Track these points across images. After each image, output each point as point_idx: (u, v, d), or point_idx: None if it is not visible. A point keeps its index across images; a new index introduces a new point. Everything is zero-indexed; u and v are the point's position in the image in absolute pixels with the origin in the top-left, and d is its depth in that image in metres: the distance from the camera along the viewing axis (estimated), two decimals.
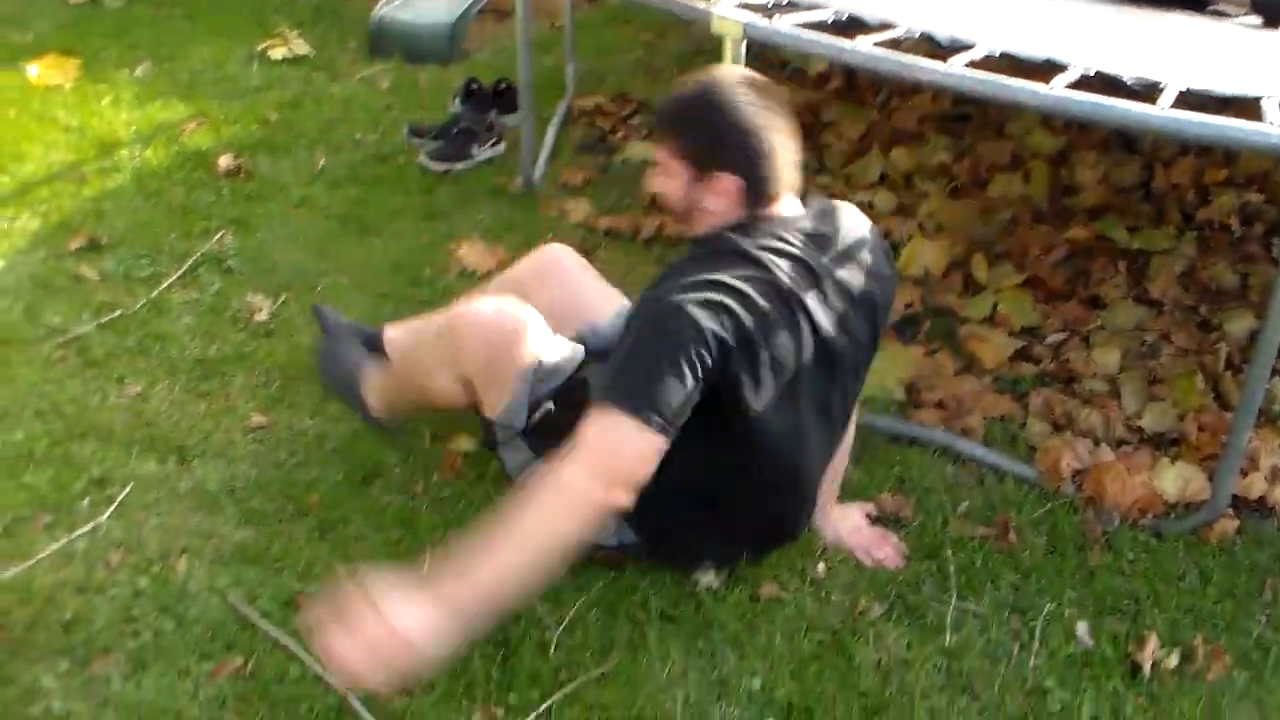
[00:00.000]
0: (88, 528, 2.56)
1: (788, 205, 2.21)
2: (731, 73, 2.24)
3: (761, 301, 2.03)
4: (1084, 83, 2.35)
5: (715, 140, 2.14)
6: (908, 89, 4.42)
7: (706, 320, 1.96)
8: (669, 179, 2.21)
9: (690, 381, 1.94)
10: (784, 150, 2.16)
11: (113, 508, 2.60)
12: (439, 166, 4.13)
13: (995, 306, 3.34)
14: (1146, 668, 2.28)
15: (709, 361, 1.96)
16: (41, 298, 3.38)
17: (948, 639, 2.35)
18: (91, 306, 3.32)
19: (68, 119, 4.57)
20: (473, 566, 1.81)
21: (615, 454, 1.93)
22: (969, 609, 2.42)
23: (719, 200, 2.16)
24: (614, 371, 1.99)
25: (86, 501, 2.63)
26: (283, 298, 3.36)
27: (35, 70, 4.93)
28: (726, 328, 1.98)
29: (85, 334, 3.20)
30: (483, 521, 1.87)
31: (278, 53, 5.13)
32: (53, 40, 5.23)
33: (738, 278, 2.03)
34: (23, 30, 5.58)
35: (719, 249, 2.12)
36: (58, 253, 3.63)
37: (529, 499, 1.87)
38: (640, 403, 1.91)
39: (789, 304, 2.08)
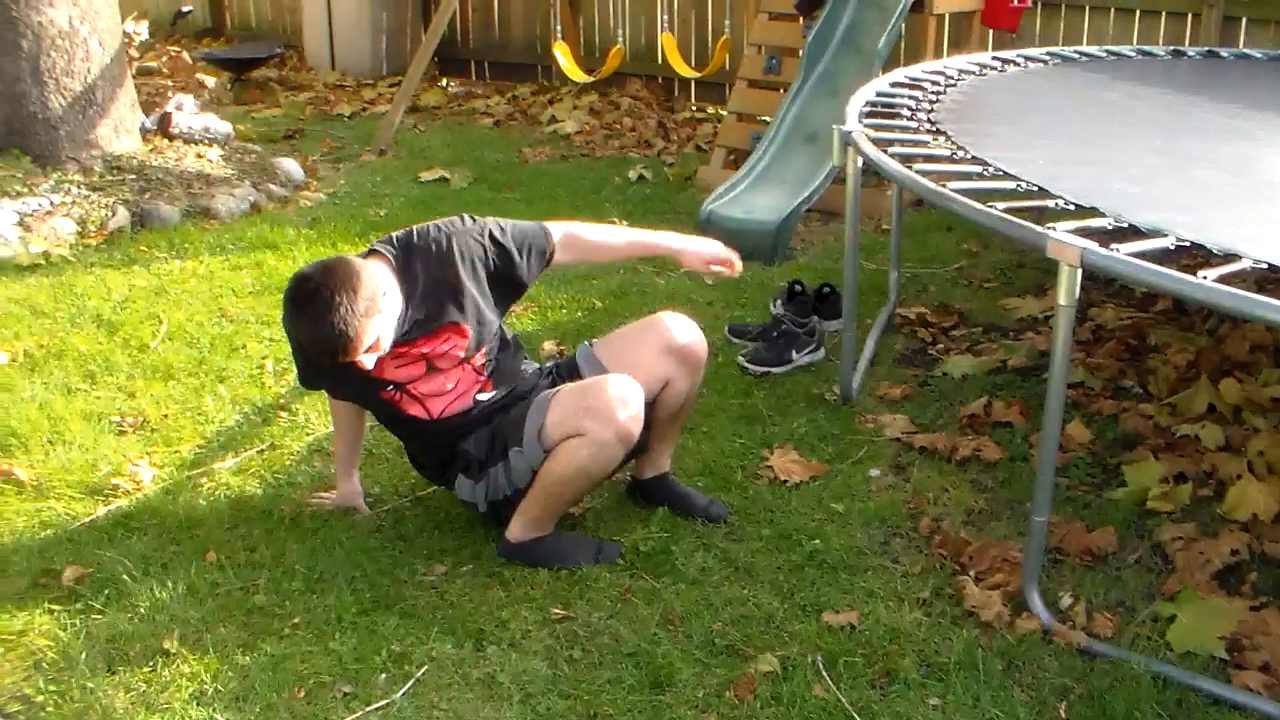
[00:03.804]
0: (382, 703, 2.59)
1: None
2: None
3: None
4: None
5: None
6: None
7: None
8: None
9: None
10: None
11: (408, 685, 2.63)
12: (757, 369, 4.13)
13: None
14: None
15: None
16: (368, 464, 3.51)
17: None
18: (410, 479, 3.43)
19: None
20: None
21: None
22: None
23: None
24: None
25: (384, 677, 2.67)
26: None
27: None
28: None
29: (401, 506, 3.31)
30: None
31: None
32: (403, 215, 5.57)
33: None
34: (378, 205, 5.98)
35: None
36: None
37: None
38: None
39: None
